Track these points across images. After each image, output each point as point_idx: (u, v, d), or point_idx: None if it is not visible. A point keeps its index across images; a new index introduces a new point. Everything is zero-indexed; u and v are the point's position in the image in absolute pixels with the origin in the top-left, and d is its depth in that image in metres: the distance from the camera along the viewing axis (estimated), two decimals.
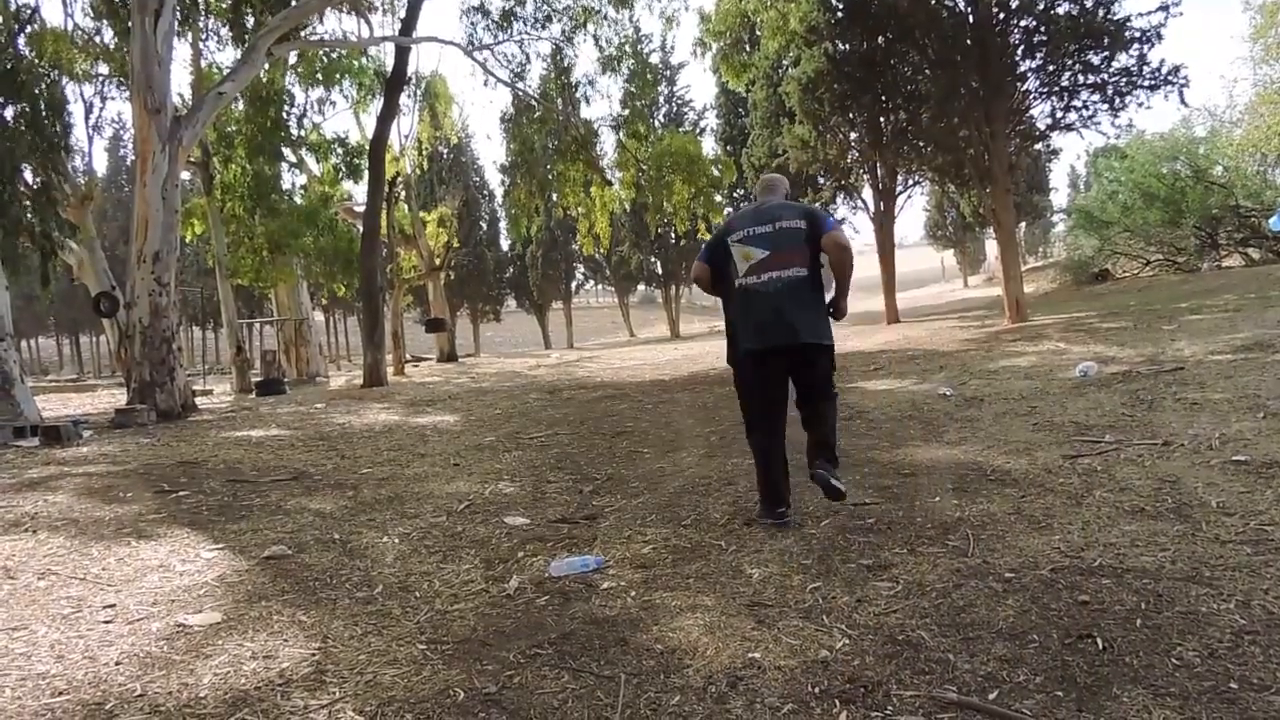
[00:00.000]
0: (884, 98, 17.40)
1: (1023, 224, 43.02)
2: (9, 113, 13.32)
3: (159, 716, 2.34)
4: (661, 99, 38.58)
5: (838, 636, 2.63)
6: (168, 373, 10.91)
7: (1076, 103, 14.68)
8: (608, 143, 21.30)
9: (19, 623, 3.13)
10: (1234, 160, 21.43)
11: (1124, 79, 14.05)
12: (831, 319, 4.09)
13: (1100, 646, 2.40)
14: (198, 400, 12.67)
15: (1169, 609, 2.62)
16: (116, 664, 2.72)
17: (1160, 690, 2.14)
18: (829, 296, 4.09)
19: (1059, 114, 15.01)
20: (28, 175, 14.12)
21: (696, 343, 27.85)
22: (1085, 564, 3.05)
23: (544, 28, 18.96)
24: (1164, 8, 13.83)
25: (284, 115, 18.56)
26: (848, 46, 17.07)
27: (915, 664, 2.40)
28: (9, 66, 12.94)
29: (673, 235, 39.12)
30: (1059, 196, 60.06)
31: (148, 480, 6.11)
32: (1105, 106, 14.42)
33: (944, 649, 2.48)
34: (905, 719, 2.10)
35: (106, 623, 3.11)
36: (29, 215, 13.92)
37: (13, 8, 14.13)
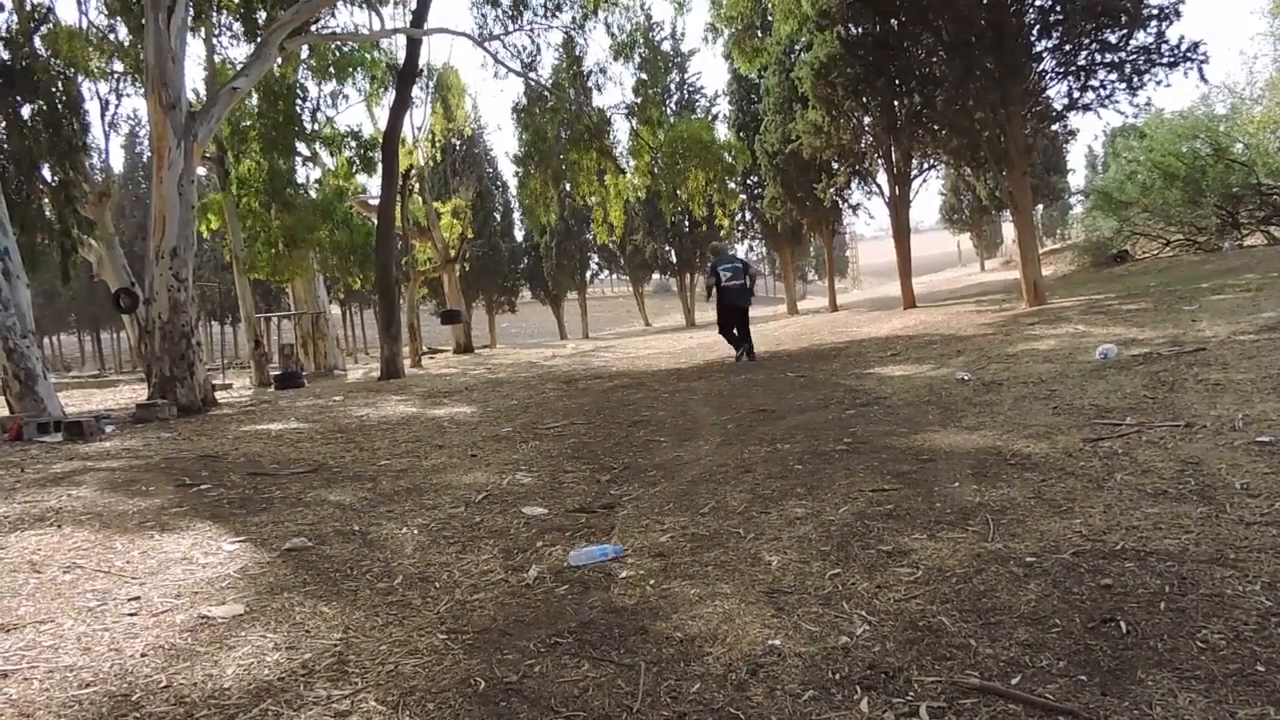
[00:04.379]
0: (898, 81, 17.19)
1: (1040, 206, 42.68)
2: (26, 111, 13.44)
3: (184, 707, 2.37)
4: (673, 86, 38.40)
5: (858, 623, 2.62)
6: (187, 367, 11.00)
7: (1094, 82, 14.45)
8: (621, 130, 21.31)
9: (46, 616, 3.16)
10: (1255, 138, 21.09)
11: (1142, 57, 13.82)
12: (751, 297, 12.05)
13: (1124, 630, 2.38)
14: (217, 394, 12.78)
15: (1193, 592, 2.59)
16: (141, 655, 2.75)
17: (1185, 673, 2.12)
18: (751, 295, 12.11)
19: (1076, 94, 14.78)
20: (46, 173, 14.25)
21: (711, 331, 27.80)
22: (1107, 547, 3.02)
23: (554, 16, 18.94)
24: None
25: (297, 109, 18.63)
26: (860, 30, 16.87)
27: (936, 649, 2.39)
28: (25, 65, 13.05)
29: (687, 223, 39.02)
30: (1076, 178, 59.65)
31: (169, 474, 6.16)
32: (1123, 85, 14.19)
33: (965, 634, 2.47)
34: (927, 705, 2.09)
35: (131, 615, 3.14)
36: (48, 213, 14.07)
37: (28, 7, 14.22)
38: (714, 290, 11.91)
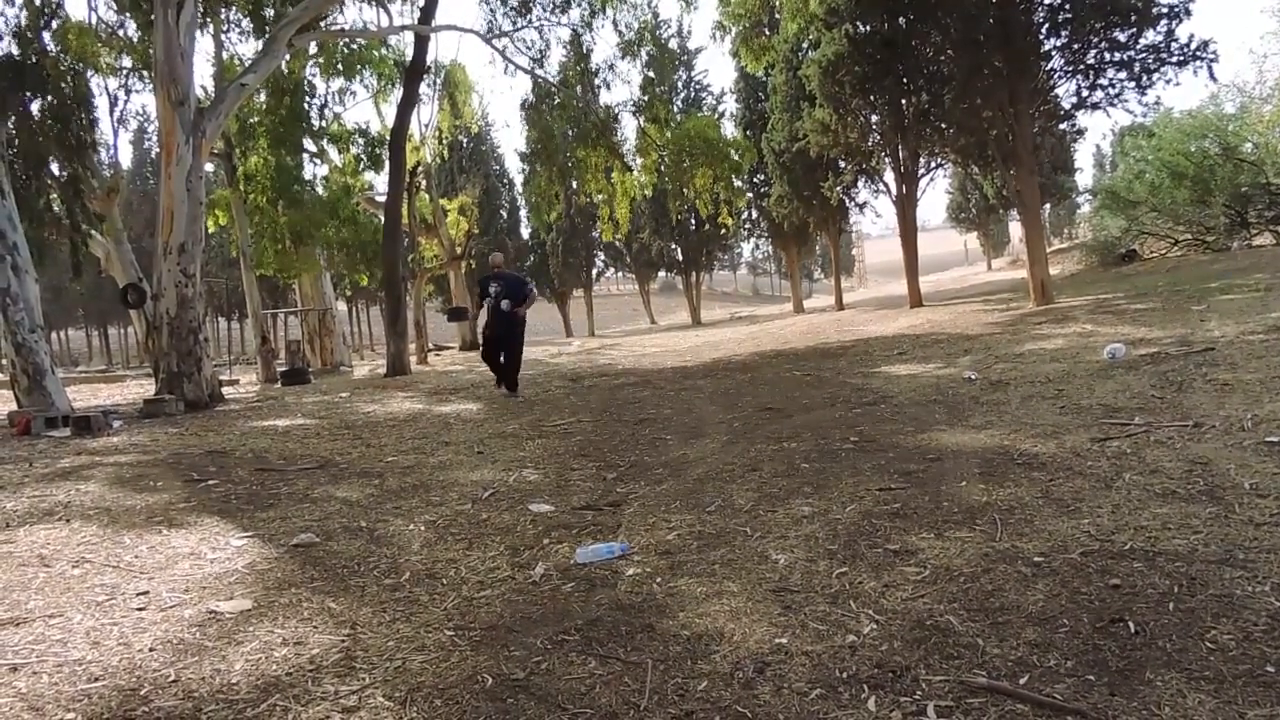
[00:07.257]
0: (905, 79, 17.15)
1: (1047, 205, 42.48)
2: (36, 107, 13.49)
3: (192, 702, 2.37)
4: (680, 84, 38.33)
5: (865, 622, 2.62)
6: (195, 363, 11.03)
7: (1102, 81, 14.41)
8: (628, 128, 21.26)
9: (55, 610, 3.18)
10: (1264, 137, 21.01)
11: (1151, 56, 13.78)
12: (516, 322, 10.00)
13: (1132, 630, 2.38)
14: (224, 390, 12.81)
15: (1202, 592, 2.58)
16: (150, 650, 2.76)
17: (1194, 674, 2.11)
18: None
19: (1084, 92, 14.74)
20: (55, 168, 14.31)
21: (718, 329, 27.81)
22: (1116, 547, 3.02)
23: (563, 13, 18.87)
24: None
25: (305, 106, 18.66)
26: (868, 28, 16.83)
27: (944, 649, 2.38)
28: (35, 60, 13.09)
29: (693, 221, 38.98)
30: (1084, 177, 59.54)
31: (177, 469, 6.18)
32: (1132, 84, 14.15)
33: (973, 633, 2.46)
34: (934, 704, 2.09)
35: (140, 610, 3.15)
36: (57, 208, 14.13)
37: (38, 2, 14.25)
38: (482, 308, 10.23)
